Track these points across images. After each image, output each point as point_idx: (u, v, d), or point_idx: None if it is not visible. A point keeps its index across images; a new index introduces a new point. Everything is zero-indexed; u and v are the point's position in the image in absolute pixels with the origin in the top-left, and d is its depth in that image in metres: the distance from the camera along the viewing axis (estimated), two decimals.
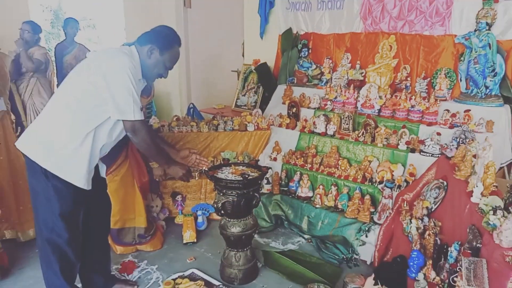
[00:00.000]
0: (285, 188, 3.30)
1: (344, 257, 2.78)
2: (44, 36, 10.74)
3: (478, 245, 1.70)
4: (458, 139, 2.71)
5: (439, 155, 2.74)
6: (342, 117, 3.31)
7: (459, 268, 1.71)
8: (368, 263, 2.72)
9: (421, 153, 2.85)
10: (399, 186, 2.81)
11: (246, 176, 2.29)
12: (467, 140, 2.66)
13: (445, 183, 2.45)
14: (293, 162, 3.34)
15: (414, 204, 2.54)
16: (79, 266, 2.17)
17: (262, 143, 3.64)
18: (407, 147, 2.96)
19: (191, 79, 5.77)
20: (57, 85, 4.80)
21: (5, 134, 2.85)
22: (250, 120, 3.67)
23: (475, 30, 2.91)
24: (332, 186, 3.04)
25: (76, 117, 1.90)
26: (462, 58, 3.04)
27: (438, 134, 2.85)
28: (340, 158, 3.20)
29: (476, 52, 2.91)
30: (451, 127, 2.89)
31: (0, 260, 2.53)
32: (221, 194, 2.36)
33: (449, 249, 1.92)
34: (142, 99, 2.65)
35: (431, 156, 2.79)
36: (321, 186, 3.09)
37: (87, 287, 2.33)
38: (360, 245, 2.73)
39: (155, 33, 2.05)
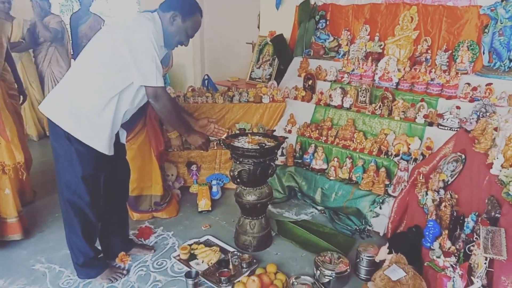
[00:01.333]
0: (299, 160, 3.31)
1: (357, 228, 2.81)
2: (59, 9, 10.67)
3: (497, 215, 1.69)
4: (478, 113, 2.66)
5: (458, 129, 2.70)
6: (359, 90, 3.27)
7: (476, 238, 1.71)
8: (381, 234, 2.74)
9: (439, 126, 2.81)
10: (415, 159, 2.79)
11: (263, 145, 2.30)
12: (488, 113, 2.61)
13: (463, 156, 2.42)
14: (308, 134, 3.33)
15: (430, 177, 2.52)
16: (99, 229, 2.24)
17: (277, 116, 3.63)
18: (425, 120, 2.91)
19: (205, 51, 5.73)
20: (72, 55, 4.80)
21: (1, 103, 2.70)
22: (265, 92, 3.65)
23: (502, 0, 2.81)
24: (347, 159, 3.04)
25: (99, 81, 1.92)
26: (486, 30, 2.94)
27: (458, 107, 2.79)
28: (356, 131, 3.17)
29: (501, 23, 2.81)
30: (471, 100, 2.83)
31: (21, 221, 2.61)
32: (238, 162, 2.37)
33: (465, 219, 1.92)
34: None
35: (450, 129, 2.74)
36: (335, 159, 3.09)
37: (106, 249, 2.40)
38: (373, 217, 2.74)
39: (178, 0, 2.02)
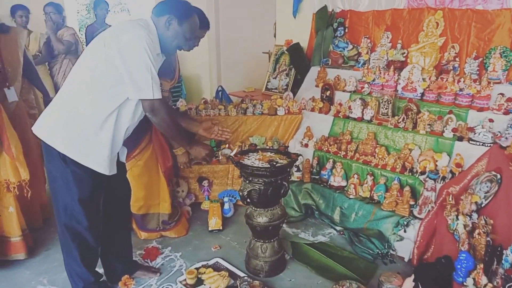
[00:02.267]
0: (317, 177, 3.11)
1: (379, 252, 2.57)
2: (80, 20, 10.88)
3: None
4: None
5: (492, 144, 2.45)
6: (381, 101, 3.05)
7: None
8: (406, 260, 2.50)
9: (470, 141, 2.57)
10: (444, 178, 2.54)
11: (274, 163, 2.12)
12: None
13: (498, 176, 2.17)
14: (326, 149, 3.13)
15: (461, 199, 2.28)
16: (100, 252, 2.11)
17: (293, 128, 3.45)
18: (453, 134, 2.67)
19: (221, 62, 5.62)
20: None
21: (21, 124, 2.73)
22: (280, 103, 3.48)
23: None
24: (368, 176, 2.82)
25: (94, 98, 1.79)
26: None
27: (491, 120, 2.54)
28: (378, 145, 2.95)
29: None
30: (506, 113, 2.57)
31: (26, 240, 2.53)
32: (247, 181, 2.20)
33: (504, 252, 1.68)
34: (164, 82, 2.53)
35: (482, 145, 2.50)
36: (355, 175, 2.87)
37: (109, 273, 2.27)
38: (397, 241, 2.51)
39: (171, 2, 1.89)
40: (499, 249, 1.75)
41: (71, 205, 1.86)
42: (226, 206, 3.09)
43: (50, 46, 4.36)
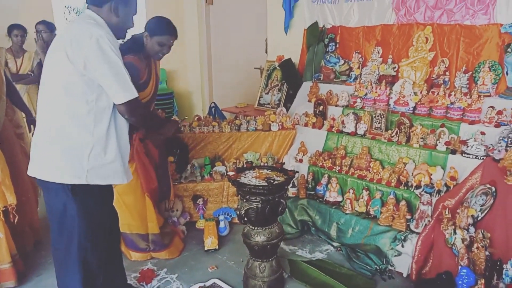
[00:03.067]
0: (312, 192, 3.10)
1: (378, 268, 2.56)
2: None
3: None
4: (506, 139, 2.43)
5: (484, 157, 2.48)
6: (374, 115, 3.08)
7: None
8: (405, 275, 2.48)
9: (463, 154, 2.59)
10: (439, 191, 2.56)
11: (271, 181, 2.11)
12: None
13: (493, 189, 2.19)
14: (320, 164, 3.13)
15: (457, 212, 2.29)
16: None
17: (287, 144, 3.45)
18: (446, 148, 2.70)
19: (213, 77, 5.64)
20: None
21: (8, 145, 2.63)
22: (274, 119, 3.48)
23: None
24: (364, 191, 2.82)
25: (84, 120, 1.71)
26: (509, 49, 2.74)
27: (482, 133, 2.57)
28: (372, 159, 2.96)
29: None
30: (497, 125, 2.60)
31: (16, 266, 2.45)
32: (244, 200, 2.18)
33: (504, 266, 1.68)
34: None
35: (475, 158, 2.52)
36: (351, 190, 2.87)
37: None
38: (395, 256, 2.50)
39: None
40: (498, 263, 1.75)
41: (84, 235, 1.81)
42: (222, 224, 3.05)
43: (41, 65, 4.33)
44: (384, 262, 2.54)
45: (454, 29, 3.05)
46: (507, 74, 2.78)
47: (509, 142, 2.41)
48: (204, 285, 2.43)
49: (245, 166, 2.42)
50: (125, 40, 2.40)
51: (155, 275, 2.57)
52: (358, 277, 2.51)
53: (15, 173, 2.51)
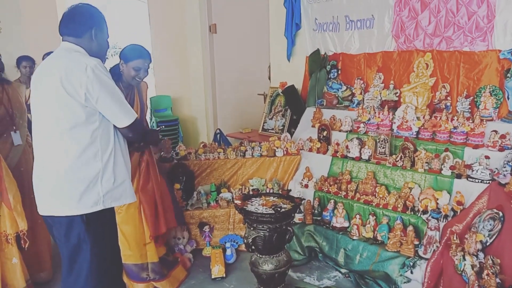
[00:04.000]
0: (319, 218, 3.10)
1: None
2: None
3: None
4: (511, 164, 2.45)
5: (490, 181, 2.49)
6: (378, 140, 3.11)
7: None
8: None
9: (469, 179, 2.60)
10: (446, 216, 2.55)
11: (279, 209, 2.12)
12: None
13: (500, 214, 2.19)
14: (326, 189, 3.15)
15: (465, 237, 2.28)
16: None
17: (292, 169, 3.47)
18: (452, 172, 2.71)
19: (217, 104, 5.73)
20: None
21: (27, 169, 2.72)
22: (278, 145, 3.52)
23: None
24: (370, 216, 2.81)
25: (91, 150, 1.75)
26: (508, 75, 2.79)
27: (487, 157, 2.59)
28: (378, 184, 2.98)
29: None
30: (501, 149, 2.62)
31: None
32: (252, 228, 2.19)
33: None
34: None
35: (481, 182, 2.53)
36: (357, 216, 2.87)
37: None
38: (404, 282, 2.47)
39: (85, 17, 1.82)
40: None
41: (93, 272, 1.82)
42: (228, 252, 3.04)
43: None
44: None
45: (453, 55, 3.12)
46: (508, 98, 2.82)
47: None
48: None
49: (251, 193, 2.44)
50: None
51: None
52: None
53: (29, 198, 2.52)
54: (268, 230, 2.15)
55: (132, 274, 2.66)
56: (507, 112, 2.84)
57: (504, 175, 2.37)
